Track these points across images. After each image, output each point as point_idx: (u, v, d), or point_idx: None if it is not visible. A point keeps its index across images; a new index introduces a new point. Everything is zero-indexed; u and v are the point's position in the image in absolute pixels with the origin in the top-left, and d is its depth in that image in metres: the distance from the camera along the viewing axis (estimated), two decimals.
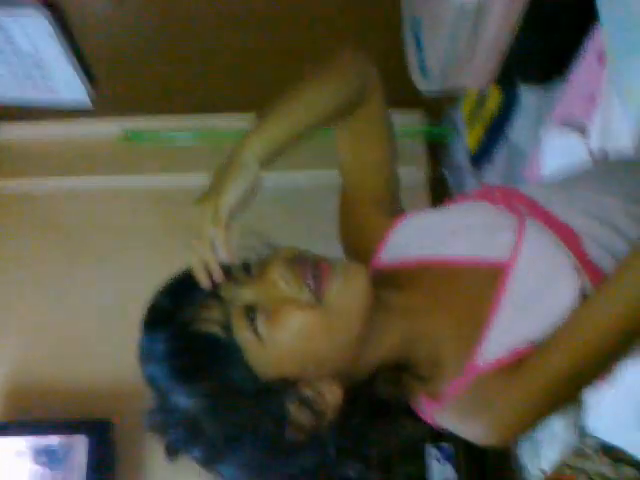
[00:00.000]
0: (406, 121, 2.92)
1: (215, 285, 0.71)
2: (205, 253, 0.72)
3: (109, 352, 2.53)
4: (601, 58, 1.51)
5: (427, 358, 0.76)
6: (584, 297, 0.72)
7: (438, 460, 2.11)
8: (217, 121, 2.93)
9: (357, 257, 0.87)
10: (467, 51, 1.71)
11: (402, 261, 0.84)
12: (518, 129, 2.24)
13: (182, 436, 0.71)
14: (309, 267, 0.71)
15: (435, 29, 1.74)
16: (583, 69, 1.61)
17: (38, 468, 2.29)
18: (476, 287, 0.78)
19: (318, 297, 0.69)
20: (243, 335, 0.68)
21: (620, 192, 0.83)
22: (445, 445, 2.13)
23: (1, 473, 2.26)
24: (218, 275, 0.72)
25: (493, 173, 2.45)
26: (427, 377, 0.75)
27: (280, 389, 0.69)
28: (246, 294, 0.71)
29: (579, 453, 1.09)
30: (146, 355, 0.73)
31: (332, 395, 0.71)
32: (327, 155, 3.00)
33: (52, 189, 2.85)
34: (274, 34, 2.43)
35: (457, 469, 2.12)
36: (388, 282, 0.81)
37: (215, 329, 0.68)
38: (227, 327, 0.68)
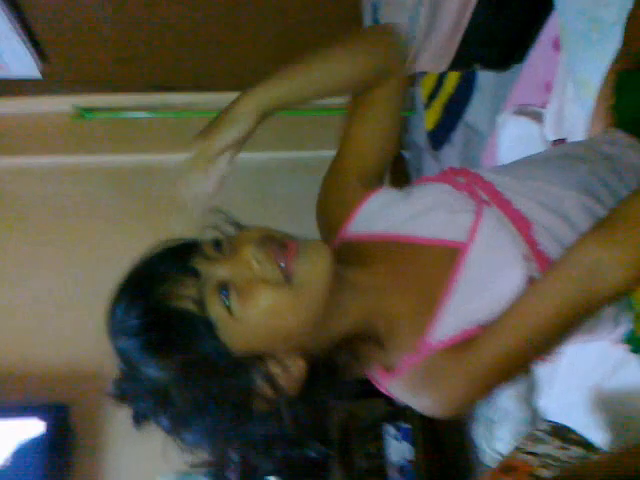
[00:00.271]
0: None
1: (189, 262, 0.73)
2: (195, 184, 0.79)
3: (64, 336, 2.50)
4: (556, 44, 1.53)
5: (384, 333, 0.79)
6: (531, 283, 0.75)
7: (396, 439, 2.15)
8: (175, 98, 2.89)
9: (330, 229, 0.90)
10: (426, 34, 1.71)
11: (366, 234, 0.86)
12: (475, 111, 2.26)
13: (151, 405, 0.72)
14: (278, 247, 0.72)
15: (394, 12, 1.73)
16: (538, 55, 1.63)
17: None
18: (433, 267, 0.80)
19: (287, 276, 0.71)
20: (216, 311, 0.70)
21: (575, 183, 0.85)
22: (403, 425, 2.17)
23: None
24: (203, 207, 0.78)
25: (451, 154, 2.47)
26: (382, 350, 0.78)
27: (248, 363, 0.71)
28: (219, 272, 0.72)
29: (532, 437, 1.12)
30: (118, 328, 0.72)
31: (296, 368, 0.74)
32: (289, 138, 2.99)
33: (2, 167, 2.77)
34: (235, 8, 2.39)
35: (414, 448, 2.17)
36: (351, 258, 0.83)
37: (189, 305, 0.70)
38: (200, 303, 0.70)
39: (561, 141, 1.25)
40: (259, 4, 2.41)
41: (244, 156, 2.75)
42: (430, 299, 0.77)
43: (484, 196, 0.83)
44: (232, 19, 2.43)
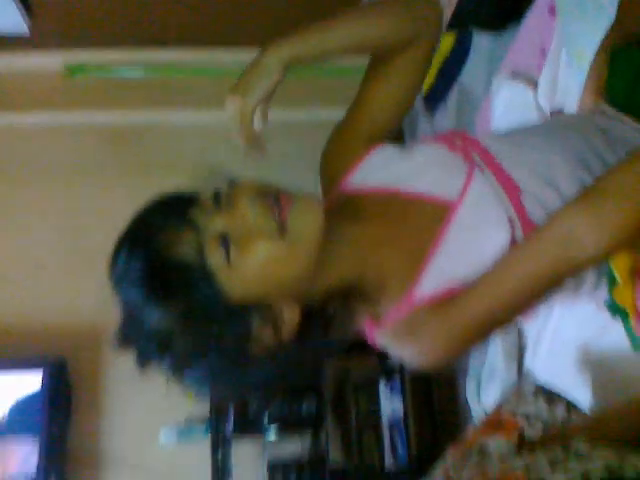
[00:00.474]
0: (360, 61, 2.91)
1: (188, 214, 0.75)
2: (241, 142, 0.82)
3: (61, 290, 2.53)
4: (552, 9, 1.52)
5: (374, 285, 0.83)
6: (514, 246, 0.80)
7: (389, 394, 2.22)
8: (166, 55, 2.85)
9: (331, 181, 0.93)
10: None
11: (364, 187, 0.90)
12: (470, 73, 2.26)
13: (153, 348, 0.76)
14: (272, 200, 0.76)
15: None
16: (534, 19, 1.62)
17: None
18: (423, 223, 0.84)
19: (282, 228, 0.74)
20: (215, 261, 0.73)
21: (568, 153, 0.87)
22: (395, 380, 2.24)
23: None
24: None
25: (445, 117, 2.47)
26: (371, 301, 0.83)
27: (245, 310, 0.75)
28: (217, 223, 0.74)
29: (517, 395, 1.17)
30: (121, 276, 0.75)
31: (290, 315, 0.78)
32: (283, 97, 2.96)
33: None
34: None
35: (406, 403, 2.24)
36: (347, 211, 0.87)
37: (188, 255, 0.73)
38: (199, 254, 0.73)
39: (558, 112, 1.27)
40: None
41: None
42: (418, 254, 0.81)
43: (478, 160, 0.86)
44: None
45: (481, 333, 0.80)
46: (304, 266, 0.77)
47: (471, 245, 0.81)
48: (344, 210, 0.87)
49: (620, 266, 0.81)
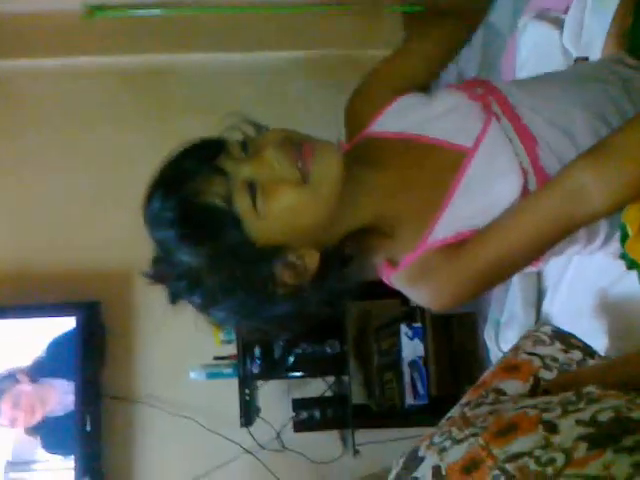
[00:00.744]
0: None
1: (216, 160, 0.79)
2: None
3: (92, 234, 2.59)
4: None
5: (391, 229, 0.86)
6: (526, 195, 0.82)
7: (409, 337, 2.27)
8: None
9: (356, 126, 0.95)
10: None
11: (386, 133, 0.92)
12: (496, 11, 2.20)
13: (185, 286, 0.81)
14: (296, 148, 0.79)
15: None
16: None
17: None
18: (439, 170, 0.86)
19: (304, 176, 0.78)
20: (242, 207, 0.77)
21: (587, 104, 0.88)
22: (416, 324, 2.28)
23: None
24: None
25: (470, 55, 2.42)
26: (388, 245, 0.86)
27: (269, 253, 0.80)
28: (245, 171, 0.78)
29: (533, 338, 1.19)
30: (155, 220, 0.80)
31: (311, 258, 0.82)
32: (300, 36, 2.91)
33: (12, 70, 2.75)
34: None
35: (426, 345, 2.29)
36: (368, 157, 0.89)
37: (217, 201, 0.77)
38: (227, 200, 0.77)
39: (583, 59, 1.25)
40: None
41: (259, 56, 2.71)
42: (434, 201, 0.84)
43: (497, 108, 0.87)
44: None
45: (490, 279, 0.83)
46: (325, 212, 0.81)
47: (484, 193, 0.83)
48: (364, 156, 0.90)
49: (632, 219, 0.82)
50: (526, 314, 1.59)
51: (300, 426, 2.36)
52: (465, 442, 0.74)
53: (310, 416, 2.34)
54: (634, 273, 0.96)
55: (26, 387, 2.38)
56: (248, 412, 2.28)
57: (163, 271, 0.82)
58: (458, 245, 0.81)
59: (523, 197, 0.82)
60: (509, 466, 0.65)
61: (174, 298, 0.83)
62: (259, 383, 2.41)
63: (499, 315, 1.74)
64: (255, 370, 2.27)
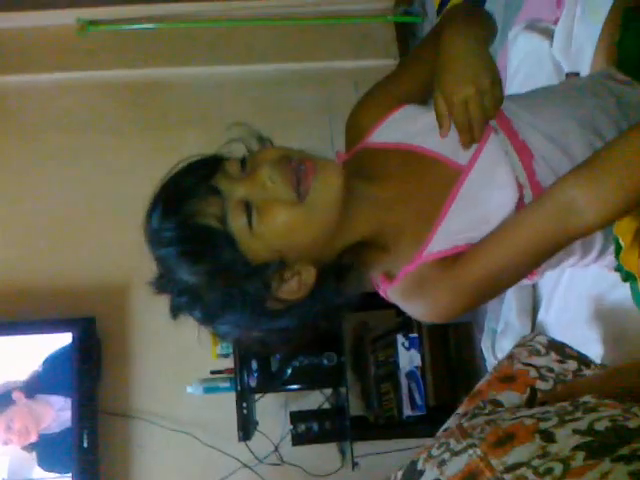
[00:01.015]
0: (377, 6, 2.88)
1: (213, 179, 0.81)
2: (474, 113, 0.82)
3: (88, 250, 2.59)
4: None
5: (388, 243, 0.87)
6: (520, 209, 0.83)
7: (406, 347, 2.27)
8: (181, 8, 2.83)
9: (356, 137, 0.96)
10: None
11: (384, 143, 0.93)
12: None
13: (185, 301, 0.83)
14: (294, 167, 0.79)
15: None
16: None
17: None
18: (437, 183, 0.87)
19: (301, 195, 0.79)
20: (236, 227, 0.78)
21: (582, 118, 0.89)
22: (412, 334, 2.29)
23: None
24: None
25: None
26: (384, 259, 0.87)
27: (265, 270, 0.81)
28: (239, 191, 0.79)
29: (528, 348, 1.20)
30: (155, 239, 0.82)
31: (307, 274, 0.83)
32: (298, 49, 2.92)
33: (7, 85, 2.77)
34: None
35: (423, 355, 2.29)
36: (365, 170, 0.90)
37: (213, 221, 0.78)
38: (223, 220, 0.78)
39: (575, 74, 1.27)
40: None
41: (252, 68, 2.73)
42: (431, 214, 0.85)
43: (494, 122, 0.88)
44: None
45: (485, 292, 0.84)
46: (322, 230, 0.82)
47: (480, 206, 0.84)
48: (363, 168, 0.91)
49: (624, 231, 0.82)
50: (522, 323, 1.59)
51: (298, 439, 2.35)
52: (464, 454, 0.74)
53: (308, 429, 2.33)
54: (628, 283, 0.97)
55: (20, 407, 2.36)
56: (246, 426, 2.27)
57: (165, 287, 0.84)
58: (454, 259, 0.82)
59: (517, 211, 0.82)
60: (507, 477, 0.65)
61: (175, 313, 0.85)
62: (256, 396, 2.41)
63: (495, 325, 1.75)
64: (252, 383, 2.26)
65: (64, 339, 2.40)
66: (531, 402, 0.97)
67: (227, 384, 2.37)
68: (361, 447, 2.31)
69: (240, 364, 2.25)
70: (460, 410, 1.01)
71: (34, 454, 2.37)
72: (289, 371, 2.25)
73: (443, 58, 0.84)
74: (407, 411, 2.26)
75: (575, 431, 0.67)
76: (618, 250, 0.86)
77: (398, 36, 2.90)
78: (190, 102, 2.81)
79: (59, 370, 2.41)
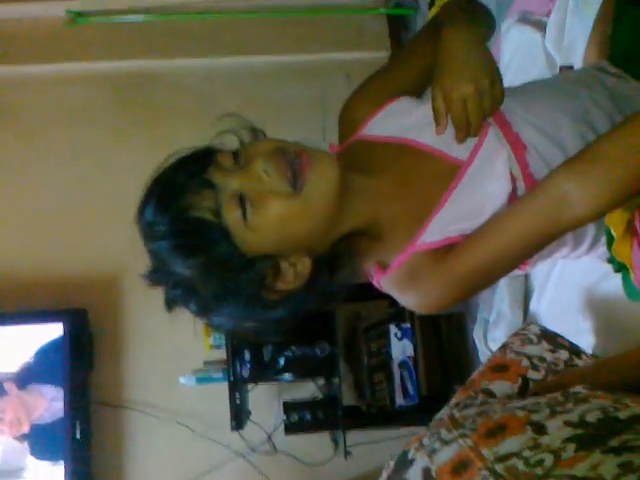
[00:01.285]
0: None
1: (206, 172, 0.80)
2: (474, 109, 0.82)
3: (80, 243, 2.58)
4: None
5: (382, 234, 0.87)
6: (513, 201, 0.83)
7: (398, 337, 2.27)
8: (170, 0, 2.81)
9: (350, 129, 0.96)
10: None
11: (378, 136, 0.93)
12: None
13: (180, 294, 0.84)
14: (289, 159, 0.79)
15: None
16: None
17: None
18: (433, 176, 0.87)
19: (297, 187, 0.78)
20: (231, 220, 0.78)
21: (575, 111, 0.89)
22: (405, 322, 2.29)
23: None
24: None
25: None
26: (380, 249, 0.87)
27: (260, 262, 0.81)
28: (233, 184, 0.79)
29: (521, 337, 1.20)
30: (148, 233, 0.82)
31: (303, 265, 0.83)
32: (289, 41, 2.91)
33: None
34: None
35: (415, 345, 2.30)
36: (360, 162, 0.90)
37: (207, 215, 0.78)
38: (217, 213, 0.78)
39: (568, 68, 1.27)
40: None
41: (243, 60, 2.72)
42: (426, 206, 0.85)
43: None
44: None
45: (477, 283, 0.85)
46: (318, 223, 0.82)
47: (475, 200, 0.85)
48: (357, 160, 0.90)
49: (616, 222, 0.83)
50: (514, 314, 1.60)
51: (291, 428, 2.36)
52: (454, 443, 0.74)
53: (301, 418, 2.34)
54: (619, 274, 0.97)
55: (12, 398, 2.36)
56: (239, 416, 2.28)
57: (159, 280, 0.84)
58: (446, 250, 0.82)
59: (510, 204, 0.83)
60: (498, 467, 0.65)
61: (170, 305, 0.85)
62: (249, 387, 2.41)
63: (487, 315, 1.76)
64: (245, 374, 2.26)
65: (56, 330, 2.39)
66: (523, 392, 0.97)
67: (220, 374, 2.38)
68: (353, 436, 2.32)
69: (233, 355, 2.26)
70: (453, 400, 1.02)
71: (26, 444, 2.37)
72: (282, 361, 2.25)
73: (442, 56, 0.83)
74: (399, 400, 2.27)
75: (566, 423, 0.67)
76: (610, 241, 0.86)
77: (390, 29, 2.89)
78: (181, 95, 2.79)
79: (51, 361, 2.40)
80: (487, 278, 0.85)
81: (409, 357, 2.28)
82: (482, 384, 1.05)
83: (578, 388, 0.79)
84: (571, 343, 1.16)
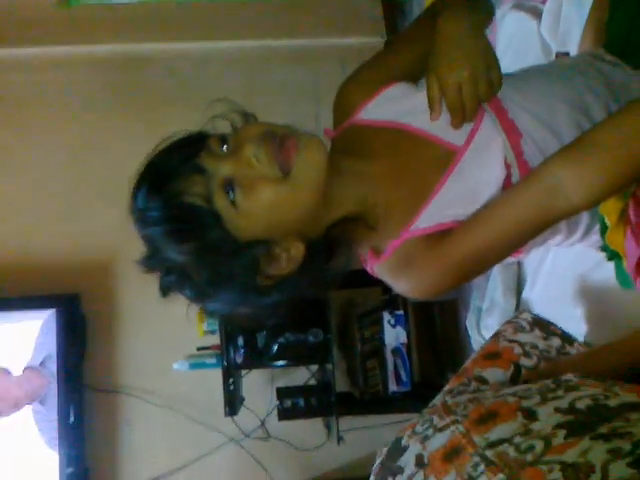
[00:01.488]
0: None
1: (196, 158, 0.80)
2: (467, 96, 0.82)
3: (73, 228, 2.57)
4: None
5: (376, 219, 0.87)
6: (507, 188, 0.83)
7: (391, 324, 2.28)
8: None
9: (345, 112, 0.95)
10: None
11: (374, 121, 0.92)
12: None
13: (174, 280, 0.84)
14: (278, 143, 0.79)
15: None
16: None
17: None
18: (428, 162, 0.87)
19: (285, 171, 0.78)
20: (221, 205, 0.78)
21: (571, 98, 0.89)
22: (398, 309, 2.30)
23: None
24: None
25: None
26: (374, 234, 0.87)
27: (252, 247, 0.80)
28: (223, 168, 0.78)
29: (513, 325, 1.21)
30: (141, 220, 0.81)
31: (296, 250, 0.83)
32: (284, 25, 2.88)
33: None
34: None
35: (408, 332, 2.31)
36: (354, 147, 0.90)
37: (198, 200, 0.78)
38: (208, 199, 0.78)
39: (564, 54, 1.26)
40: None
41: (237, 45, 2.69)
42: (421, 192, 0.85)
43: (484, 103, 0.88)
44: None
45: (470, 270, 0.85)
46: (308, 206, 0.81)
47: (470, 186, 0.85)
48: (351, 145, 0.90)
49: (609, 211, 0.83)
50: (506, 301, 1.61)
51: (284, 414, 2.37)
52: (446, 430, 0.75)
53: (294, 404, 2.35)
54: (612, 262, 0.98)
55: (8, 381, 2.36)
56: (232, 401, 2.28)
57: (153, 266, 0.84)
58: (440, 236, 0.82)
59: (504, 190, 0.83)
60: (489, 453, 0.66)
61: (164, 291, 0.85)
62: (243, 373, 2.42)
63: (480, 302, 1.77)
64: (239, 360, 2.27)
65: (49, 315, 2.39)
66: (515, 379, 0.98)
67: (213, 360, 2.38)
68: (346, 422, 2.33)
69: (226, 341, 2.26)
70: (447, 387, 1.02)
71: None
72: (275, 347, 2.26)
73: (438, 41, 0.83)
74: (392, 387, 2.28)
75: (557, 409, 0.68)
76: (604, 229, 0.86)
77: (385, 13, 2.87)
78: (173, 79, 2.77)
79: (44, 347, 2.40)
80: (481, 265, 0.85)
81: (402, 344, 2.29)
82: (475, 371, 1.06)
83: (569, 376, 0.80)
84: (563, 331, 1.16)
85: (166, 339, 2.47)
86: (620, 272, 0.90)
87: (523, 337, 1.16)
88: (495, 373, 1.04)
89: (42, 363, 2.39)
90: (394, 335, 2.28)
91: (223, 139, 0.81)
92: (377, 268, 0.88)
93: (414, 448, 0.77)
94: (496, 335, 1.20)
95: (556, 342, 1.16)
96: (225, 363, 2.26)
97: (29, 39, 2.72)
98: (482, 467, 0.65)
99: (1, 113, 2.67)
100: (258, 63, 2.80)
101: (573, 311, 1.31)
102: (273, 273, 0.83)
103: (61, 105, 2.70)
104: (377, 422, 2.35)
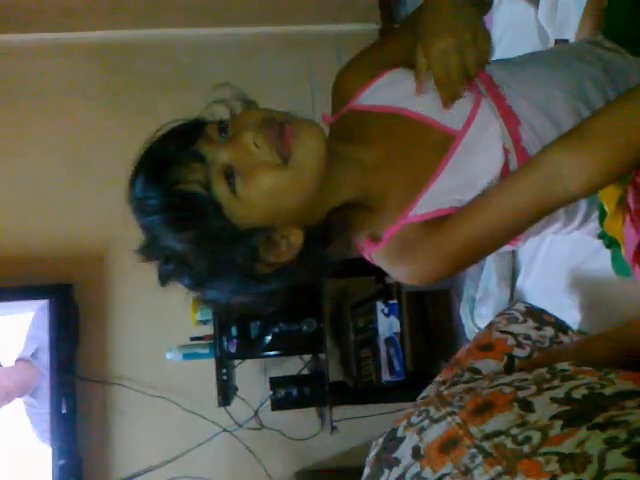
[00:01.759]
0: None
1: (195, 145, 0.79)
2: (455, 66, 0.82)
3: (65, 217, 2.56)
4: None
5: (374, 205, 0.87)
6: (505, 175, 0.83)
7: (385, 314, 2.28)
8: None
9: (343, 98, 0.95)
10: None
11: (372, 106, 0.92)
12: None
13: (173, 268, 0.83)
14: (277, 129, 0.78)
15: None
16: None
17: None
18: (427, 148, 0.86)
19: (285, 158, 0.78)
20: (221, 192, 0.77)
21: (569, 85, 0.88)
22: (391, 299, 2.30)
23: None
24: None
25: None
26: (372, 221, 0.87)
27: (251, 234, 0.80)
28: (222, 155, 0.78)
29: (507, 316, 1.21)
30: (139, 207, 0.81)
31: (295, 237, 0.82)
32: (279, 11, 2.86)
33: None
34: None
35: (401, 320, 2.31)
36: (352, 133, 0.90)
37: (197, 188, 0.77)
38: (207, 186, 0.77)
39: (563, 41, 1.26)
40: None
41: (231, 31, 2.67)
42: (419, 178, 0.84)
43: (482, 88, 0.87)
44: None
45: (468, 256, 0.84)
46: (307, 193, 0.81)
47: (468, 172, 0.84)
48: (350, 131, 0.90)
49: (608, 198, 0.83)
50: (500, 290, 1.61)
51: (278, 404, 2.37)
52: (443, 421, 0.75)
53: (287, 394, 2.35)
54: (606, 249, 0.97)
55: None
56: (225, 391, 2.28)
57: (152, 254, 0.83)
58: (438, 222, 0.82)
59: (503, 177, 0.82)
60: (486, 444, 0.66)
61: (163, 280, 0.84)
62: (236, 362, 2.42)
63: (474, 292, 1.76)
64: (232, 350, 2.26)
65: (41, 305, 2.37)
66: (509, 370, 0.98)
67: (206, 350, 2.37)
68: (340, 412, 2.33)
69: (220, 330, 2.25)
70: (439, 378, 1.02)
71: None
72: (269, 337, 2.26)
73: (425, 10, 0.83)
74: (386, 376, 2.28)
75: (553, 399, 0.68)
76: (602, 216, 0.86)
77: (380, 0, 2.86)
78: (166, 66, 2.76)
79: (36, 338, 2.39)
80: (479, 251, 0.84)
81: (395, 333, 2.29)
82: (468, 362, 1.06)
83: (564, 364, 0.79)
84: (557, 319, 1.16)
85: (159, 329, 2.46)
86: (617, 260, 0.89)
87: (516, 328, 1.16)
88: (488, 364, 1.03)
89: (33, 355, 2.38)
90: (387, 324, 2.28)
91: (222, 126, 0.80)
92: (375, 255, 0.87)
93: (411, 440, 0.76)
94: (489, 326, 1.20)
95: (549, 332, 1.15)
96: (218, 353, 2.26)
97: (19, 26, 2.70)
98: (479, 459, 0.64)
99: None
100: (252, 50, 2.79)
101: (567, 300, 1.31)
102: (272, 260, 0.82)
103: (55, 94, 2.69)
104: (370, 411, 2.35)
